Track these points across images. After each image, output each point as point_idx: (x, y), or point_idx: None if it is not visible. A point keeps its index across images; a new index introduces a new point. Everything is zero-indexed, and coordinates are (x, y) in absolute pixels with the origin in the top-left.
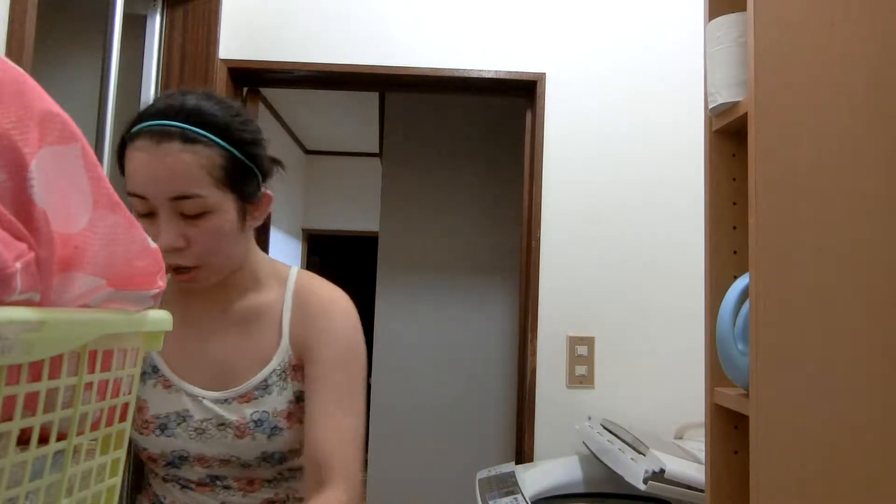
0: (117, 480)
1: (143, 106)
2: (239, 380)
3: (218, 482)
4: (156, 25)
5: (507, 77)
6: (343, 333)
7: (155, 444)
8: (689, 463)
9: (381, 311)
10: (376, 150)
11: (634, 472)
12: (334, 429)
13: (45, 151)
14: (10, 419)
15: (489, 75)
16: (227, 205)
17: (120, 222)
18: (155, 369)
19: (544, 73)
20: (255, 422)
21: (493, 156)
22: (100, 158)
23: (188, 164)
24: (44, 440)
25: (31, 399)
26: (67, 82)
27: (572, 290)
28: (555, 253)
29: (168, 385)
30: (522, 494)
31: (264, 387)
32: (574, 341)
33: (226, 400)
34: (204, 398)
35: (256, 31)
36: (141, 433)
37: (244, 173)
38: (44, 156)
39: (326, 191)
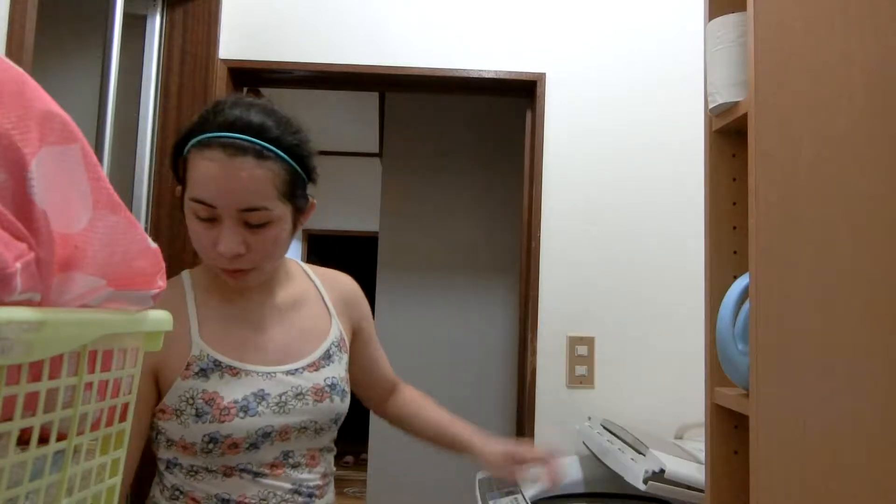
0: (117, 480)
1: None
2: (301, 354)
3: (289, 459)
4: (156, 25)
5: (507, 77)
6: (367, 306)
7: (239, 427)
8: (689, 463)
9: (381, 311)
10: (376, 150)
11: (634, 472)
12: (388, 369)
13: (45, 151)
14: (10, 419)
15: (489, 75)
16: (286, 215)
17: (120, 222)
18: (217, 363)
19: (544, 73)
20: (329, 386)
21: (493, 156)
22: (100, 158)
23: (260, 180)
24: (44, 440)
25: (31, 399)
26: (67, 82)
27: (572, 290)
28: (555, 253)
29: (235, 372)
30: (522, 494)
31: (328, 356)
32: (574, 341)
33: (296, 370)
34: (276, 373)
35: (256, 31)
36: (222, 421)
37: (302, 186)
38: (44, 156)
39: (326, 191)
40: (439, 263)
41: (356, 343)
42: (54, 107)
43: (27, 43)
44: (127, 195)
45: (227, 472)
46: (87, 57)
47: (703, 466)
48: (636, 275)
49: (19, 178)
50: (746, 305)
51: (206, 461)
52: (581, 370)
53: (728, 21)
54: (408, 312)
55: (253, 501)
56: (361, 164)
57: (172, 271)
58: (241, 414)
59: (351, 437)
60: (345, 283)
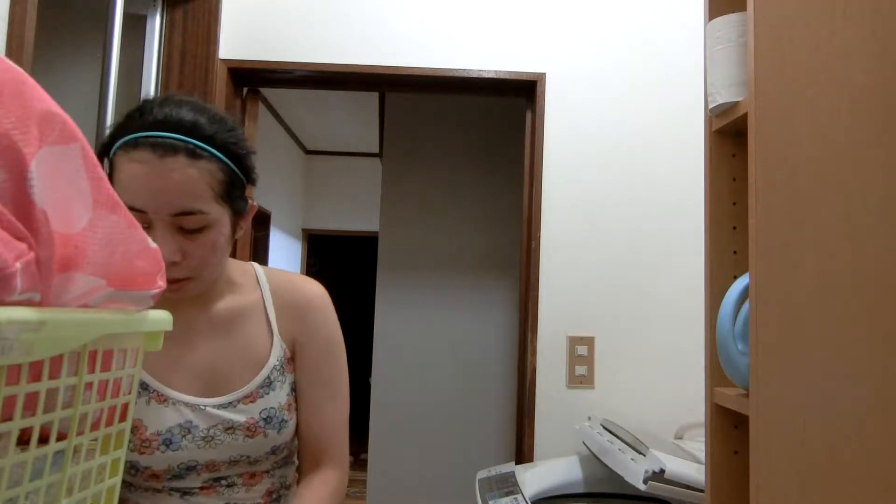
0: (117, 480)
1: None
2: (236, 383)
3: (222, 482)
4: (156, 25)
5: (507, 77)
6: (328, 326)
7: (160, 460)
8: (689, 463)
9: (381, 311)
10: (376, 150)
11: (634, 472)
12: (327, 419)
13: (45, 151)
14: (10, 419)
15: (489, 75)
16: (223, 219)
17: (120, 222)
18: (144, 386)
19: (544, 73)
20: (265, 420)
21: (493, 156)
22: (99, 159)
23: (194, 181)
24: (44, 440)
25: (31, 399)
26: (67, 82)
27: (572, 290)
28: (555, 253)
29: (163, 399)
30: (522, 494)
31: (268, 384)
32: (574, 341)
33: (230, 404)
34: (206, 406)
35: (256, 31)
36: (142, 452)
37: (240, 188)
38: (44, 156)
39: (326, 191)
40: (439, 263)
41: (297, 369)
42: (54, 107)
43: (27, 42)
44: None
45: (156, 490)
46: (87, 57)
47: (703, 466)
48: (636, 274)
49: (19, 178)
50: (746, 305)
51: (133, 480)
52: (581, 370)
53: (728, 21)
54: (408, 312)
55: None
56: (361, 164)
57: None
58: (163, 448)
59: (351, 437)
60: (299, 287)
